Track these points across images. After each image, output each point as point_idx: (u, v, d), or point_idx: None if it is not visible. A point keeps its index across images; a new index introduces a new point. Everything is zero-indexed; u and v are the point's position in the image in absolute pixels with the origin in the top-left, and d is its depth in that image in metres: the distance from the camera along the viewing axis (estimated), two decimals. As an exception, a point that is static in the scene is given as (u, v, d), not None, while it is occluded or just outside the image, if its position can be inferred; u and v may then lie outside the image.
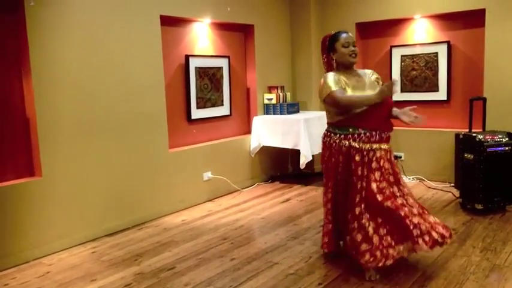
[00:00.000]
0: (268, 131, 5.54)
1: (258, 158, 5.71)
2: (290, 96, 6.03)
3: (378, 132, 2.99)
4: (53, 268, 3.38)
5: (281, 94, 5.81)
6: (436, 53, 5.47)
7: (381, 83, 3.18)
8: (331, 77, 3.03)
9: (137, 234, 4.05)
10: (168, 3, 4.52)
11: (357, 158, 2.98)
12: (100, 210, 4.01)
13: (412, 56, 5.65)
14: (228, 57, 5.42)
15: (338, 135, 3.07)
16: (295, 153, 5.54)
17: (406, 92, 5.74)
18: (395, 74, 5.78)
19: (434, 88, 5.54)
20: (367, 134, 2.97)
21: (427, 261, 3.22)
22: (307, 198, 4.99)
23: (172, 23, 4.72)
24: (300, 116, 5.51)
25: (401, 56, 5.72)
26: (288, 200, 4.98)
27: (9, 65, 3.53)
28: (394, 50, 5.76)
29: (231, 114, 5.51)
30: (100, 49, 3.96)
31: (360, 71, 3.19)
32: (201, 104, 5.12)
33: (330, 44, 3.13)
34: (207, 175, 5.03)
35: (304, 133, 5.22)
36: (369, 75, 3.19)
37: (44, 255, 3.59)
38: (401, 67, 5.74)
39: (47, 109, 3.61)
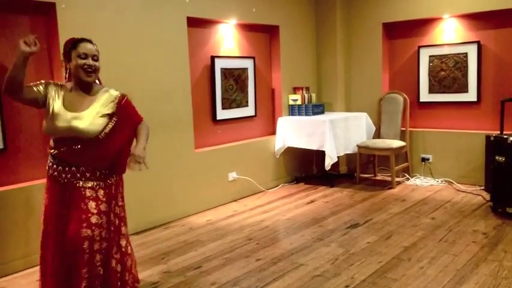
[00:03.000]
0: (293, 132, 5.52)
1: (283, 159, 5.70)
2: (315, 97, 5.99)
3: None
4: (82, 265, 3.43)
5: (306, 95, 5.78)
6: (466, 53, 5.36)
7: (114, 104, 2.49)
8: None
9: (163, 233, 4.08)
10: (195, 5, 4.55)
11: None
12: (127, 209, 4.04)
13: (441, 57, 5.54)
14: (253, 58, 5.42)
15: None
16: (320, 154, 5.50)
17: (434, 93, 5.64)
18: (423, 75, 5.68)
19: (464, 89, 5.42)
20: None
21: (457, 265, 3.16)
22: (332, 200, 4.94)
23: (198, 24, 4.75)
24: (326, 117, 5.47)
25: (430, 56, 5.62)
26: (313, 201, 4.95)
27: (42, 66, 3.62)
28: (422, 51, 5.67)
29: (255, 115, 5.52)
30: (128, 50, 4.02)
31: (102, 91, 2.51)
32: (226, 105, 5.14)
33: (67, 51, 2.46)
34: (232, 175, 5.04)
35: (329, 134, 5.18)
36: (108, 97, 2.49)
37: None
38: (429, 68, 5.64)
39: (77, 109, 3.68)
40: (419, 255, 3.35)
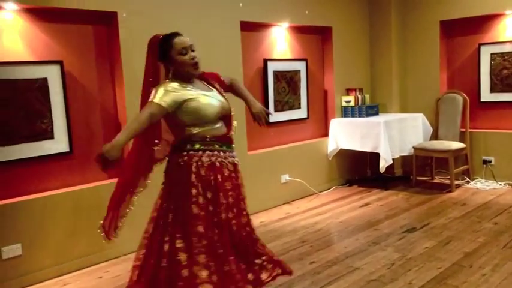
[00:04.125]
0: (346, 134, 5.45)
1: (336, 161, 5.64)
2: (369, 98, 5.89)
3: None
4: (141, 263, 3.57)
5: (359, 96, 5.69)
6: (531, 49, 5.09)
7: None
8: (164, 87, 2.32)
9: (218, 234, 4.16)
10: (248, 9, 4.61)
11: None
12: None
13: (503, 54, 5.28)
14: (306, 60, 5.41)
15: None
16: (374, 157, 5.39)
17: (496, 93, 5.39)
18: (484, 73, 5.44)
19: (529, 87, 5.14)
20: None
21: (523, 273, 3.00)
22: (387, 203, 4.84)
23: (251, 28, 4.81)
24: (380, 118, 5.36)
25: (491, 54, 5.37)
26: (367, 204, 4.86)
27: (104, 73, 3.80)
28: (482, 48, 5.42)
29: (308, 117, 5.50)
30: (184, 55, 4.13)
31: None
32: (279, 107, 5.16)
33: (162, 52, 2.42)
34: (285, 178, 5.06)
35: (384, 136, 5.07)
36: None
37: (134, 251, 3.78)
38: (491, 66, 5.39)
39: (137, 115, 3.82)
40: (482, 262, 3.21)
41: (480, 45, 5.44)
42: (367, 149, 5.29)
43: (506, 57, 5.28)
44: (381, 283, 2.99)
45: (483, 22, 5.42)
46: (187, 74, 2.40)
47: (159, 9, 3.95)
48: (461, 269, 3.12)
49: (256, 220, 4.49)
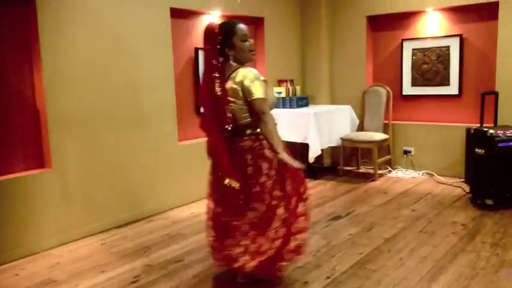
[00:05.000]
0: (277, 125, 5.50)
1: (267, 151, 5.69)
2: (299, 90, 6.00)
3: None
4: (63, 259, 3.41)
5: (290, 88, 5.78)
6: (448, 46, 5.41)
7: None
8: (257, 75, 2.62)
9: (146, 226, 4.07)
10: (178, -4, 4.51)
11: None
12: (109, 202, 4.04)
13: (424, 50, 5.59)
14: (238, 50, 5.39)
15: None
16: (304, 147, 5.51)
17: (416, 86, 5.69)
18: (406, 68, 5.73)
19: (446, 82, 5.48)
20: None
21: (436, 256, 3.21)
22: (315, 193, 4.97)
23: (182, 15, 4.71)
24: (310, 109, 5.48)
25: (413, 49, 5.66)
26: (296, 193, 4.96)
27: (21, 57, 3.55)
28: (405, 44, 5.71)
29: (240, 108, 5.50)
30: (110, 42, 3.97)
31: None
32: (210, 97, 5.11)
33: (225, 38, 2.60)
34: (216, 168, 5.03)
35: (313, 127, 5.20)
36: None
37: (54, 247, 3.62)
38: (412, 61, 5.68)
39: (57, 101, 3.63)
40: (399, 247, 3.40)
41: (403, 40, 5.72)
42: (297, 139, 5.38)
43: (426, 53, 5.59)
44: (306, 270, 3.07)
45: (406, 18, 5.69)
46: (244, 59, 2.65)
47: (82, -8, 3.76)
48: (381, 254, 3.28)
49: (187, 211, 4.46)
